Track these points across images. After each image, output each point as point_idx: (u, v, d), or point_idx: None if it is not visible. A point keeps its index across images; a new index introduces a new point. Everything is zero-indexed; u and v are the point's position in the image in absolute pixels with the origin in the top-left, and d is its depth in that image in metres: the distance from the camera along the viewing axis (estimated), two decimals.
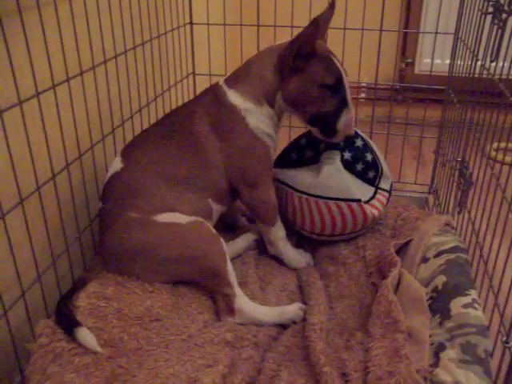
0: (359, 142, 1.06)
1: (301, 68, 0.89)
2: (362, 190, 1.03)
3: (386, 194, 1.08)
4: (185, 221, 0.85)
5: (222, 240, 0.87)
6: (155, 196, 0.87)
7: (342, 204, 1.00)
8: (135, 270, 0.84)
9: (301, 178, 1.03)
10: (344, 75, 0.91)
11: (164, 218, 0.85)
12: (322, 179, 1.00)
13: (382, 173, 1.07)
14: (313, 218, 1.02)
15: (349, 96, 0.93)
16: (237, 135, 0.92)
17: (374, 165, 1.06)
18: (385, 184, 1.07)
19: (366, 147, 1.06)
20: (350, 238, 1.07)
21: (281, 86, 0.91)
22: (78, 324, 0.73)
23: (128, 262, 0.84)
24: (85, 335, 0.72)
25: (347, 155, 1.03)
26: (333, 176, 1.01)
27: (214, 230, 0.88)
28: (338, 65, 0.91)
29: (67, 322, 0.74)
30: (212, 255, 0.85)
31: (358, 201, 1.00)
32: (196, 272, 0.86)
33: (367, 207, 1.02)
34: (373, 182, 1.05)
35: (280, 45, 0.93)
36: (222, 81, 0.96)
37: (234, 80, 0.95)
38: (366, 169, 1.05)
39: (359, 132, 1.09)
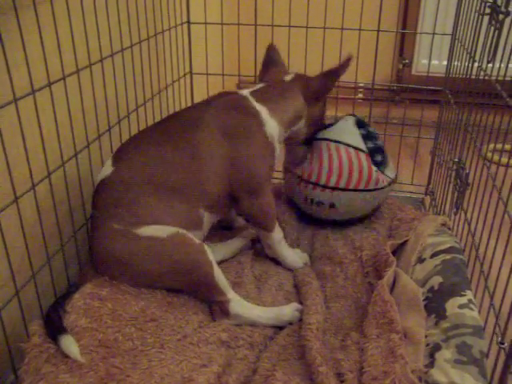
0: (371, 129, 1.13)
1: (323, 96, 1.05)
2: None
3: (389, 179, 1.11)
4: (166, 234, 0.82)
5: (206, 248, 0.84)
6: (141, 205, 0.84)
7: (351, 150, 1.06)
8: (124, 280, 0.83)
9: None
10: None
11: (146, 231, 0.82)
12: (337, 127, 1.11)
13: (387, 161, 1.12)
14: (321, 162, 1.07)
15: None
16: (251, 141, 0.92)
17: (382, 151, 1.11)
18: (389, 172, 1.11)
19: (377, 136, 1.14)
20: (350, 200, 1.08)
21: (307, 113, 1.03)
22: (63, 331, 0.72)
23: (115, 272, 0.83)
24: (69, 344, 0.70)
25: (362, 131, 1.10)
26: (347, 128, 1.10)
27: (196, 240, 0.84)
28: None
29: (53, 328, 0.73)
30: (197, 267, 0.83)
31: (367, 153, 1.07)
32: (184, 284, 0.85)
33: (373, 166, 1.07)
34: (379, 165, 1.09)
35: (295, 81, 1.02)
36: (245, 92, 0.98)
37: (263, 97, 0.97)
38: (375, 150, 1.10)
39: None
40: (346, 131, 1.10)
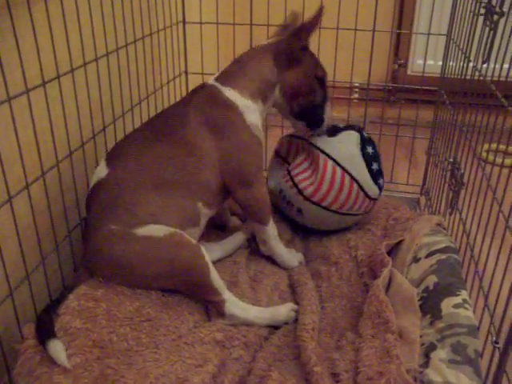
0: (372, 149, 1.08)
1: (298, 60, 0.96)
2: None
3: (369, 206, 1.09)
4: (163, 233, 0.82)
5: (202, 249, 0.84)
6: (140, 204, 0.84)
7: (347, 177, 1.02)
8: (120, 281, 0.82)
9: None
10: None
11: (144, 231, 0.82)
12: (340, 145, 1.04)
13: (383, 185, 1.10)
14: (312, 171, 1.04)
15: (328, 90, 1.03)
16: (235, 133, 0.92)
17: (382, 174, 1.09)
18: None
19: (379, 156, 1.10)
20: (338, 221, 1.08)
21: (280, 79, 0.96)
22: (52, 336, 0.71)
23: (111, 275, 0.82)
24: (57, 349, 0.69)
25: (370, 150, 1.06)
26: (349, 148, 1.04)
27: (193, 241, 0.84)
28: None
29: (43, 332, 0.72)
30: (193, 268, 0.82)
31: (358, 182, 1.03)
32: (180, 285, 0.85)
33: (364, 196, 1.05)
34: (380, 189, 1.07)
35: (270, 43, 0.98)
36: (212, 80, 0.96)
37: (228, 78, 0.95)
38: (378, 173, 1.06)
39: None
40: (348, 152, 1.04)
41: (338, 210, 1.05)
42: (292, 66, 0.96)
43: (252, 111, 0.94)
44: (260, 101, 0.96)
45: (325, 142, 1.05)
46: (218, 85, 0.94)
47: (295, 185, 1.05)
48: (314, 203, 1.04)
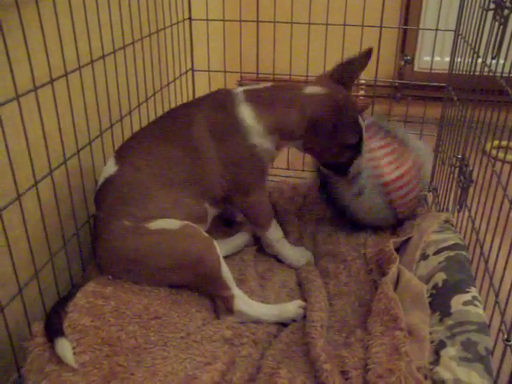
0: None
1: (328, 130, 0.90)
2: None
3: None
4: (176, 227, 0.83)
5: (214, 243, 0.85)
6: (151, 200, 0.85)
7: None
8: (130, 278, 0.83)
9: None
10: (364, 132, 0.94)
11: (157, 225, 0.83)
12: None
13: None
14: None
15: (364, 147, 0.97)
16: (234, 148, 0.90)
17: None
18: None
19: None
20: None
21: (304, 137, 0.93)
22: (60, 334, 0.71)
23: (122, 270, 0.83)
24: (64, 348, 0.69)
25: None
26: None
27: (205, 234, 0.86)
28: (361, 122, 0.93)
29: (51, 330, 0.72)
30: (205, 261, 0.83)
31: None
32: (191, 278, 0.85)
33: None
34: None
35: (312, 99, 0.90)
36: (239, 89, 0.93)
37: (255, 98, 0.91)
38: None
39: None
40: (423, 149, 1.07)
41: (398, 206, 1.03)
42: (319, 135, 0.91)
43: (262, 136, 0.91)
44: (278, 136, 0.92)
45: (405, 135, 1.05)
46: (240, 95, 0.91)
47: (377, 166, 1.00)
48: (384, 193, 1.01)
